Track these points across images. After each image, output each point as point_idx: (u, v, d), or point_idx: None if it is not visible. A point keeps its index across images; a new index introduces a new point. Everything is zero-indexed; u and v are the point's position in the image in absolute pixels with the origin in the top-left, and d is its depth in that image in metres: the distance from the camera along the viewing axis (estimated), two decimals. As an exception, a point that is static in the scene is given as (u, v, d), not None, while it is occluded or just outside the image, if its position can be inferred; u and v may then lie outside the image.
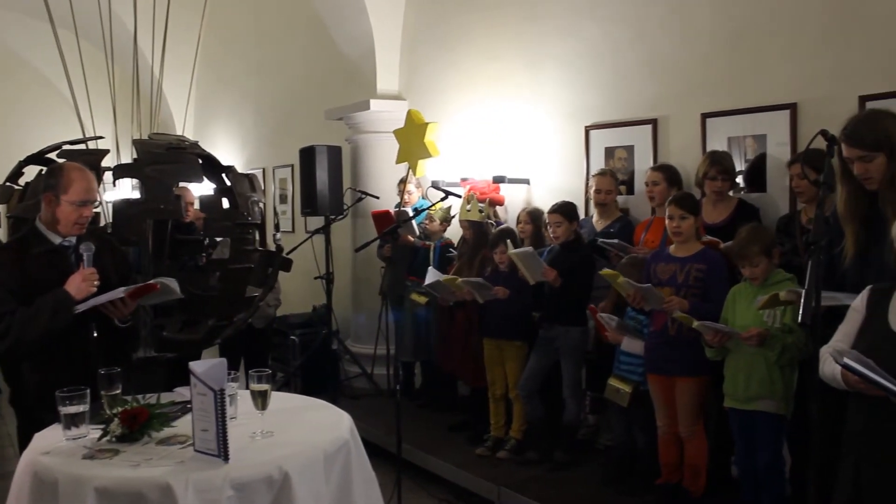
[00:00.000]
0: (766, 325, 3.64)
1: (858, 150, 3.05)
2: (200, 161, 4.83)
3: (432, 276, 5.43)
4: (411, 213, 6.20)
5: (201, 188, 5.64)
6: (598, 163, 5.58)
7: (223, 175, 4.98)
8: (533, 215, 5.47)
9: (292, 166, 9.15)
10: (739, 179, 4.71)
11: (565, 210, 4.91)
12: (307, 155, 7.08)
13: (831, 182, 2.86)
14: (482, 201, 5.65)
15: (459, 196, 4.92)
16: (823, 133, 2.91)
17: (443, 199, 5.09)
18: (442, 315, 5.94)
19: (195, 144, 5.06)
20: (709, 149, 4.79)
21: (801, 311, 2.51)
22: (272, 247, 5.42)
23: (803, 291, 2.57)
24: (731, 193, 4.60)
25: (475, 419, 5.64)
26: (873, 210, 3.09)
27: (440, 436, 5.71)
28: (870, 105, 3.91)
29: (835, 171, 3.08)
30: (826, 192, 2.74)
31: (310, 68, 9.03)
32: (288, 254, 5.78)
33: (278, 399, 3.12)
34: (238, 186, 4.90)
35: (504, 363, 5.24)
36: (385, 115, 7.28)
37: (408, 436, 5.24)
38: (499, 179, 6.08)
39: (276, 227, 5.82)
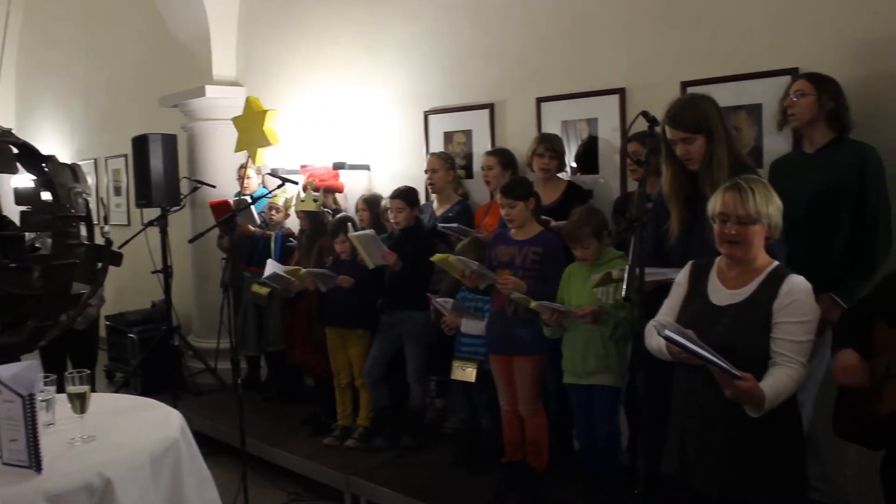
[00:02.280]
0: (600, 303, 3.75)
1: (680, 133, 3.19)
2: (15, 150, 4.48)
3: (271, 267, 5.31)
4: (249, 202, 6.02)
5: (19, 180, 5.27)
6: (437, 148, 5.60)
7: (42, 165, 4.64)
8: (370, 202, 5.43)
9: (126, 156, 8.71)
10: (573, 162, 4.85)
11: (406, 195, 4.90)
12: (140, 144, 6.73)
13: (651, 161, 2.97)
14: (317, 190, 5.56)
15: (296, 183, 4.80)
16: (644, 114, 3.02)
17: (279, 187, 4.97)
18: (284, 306, 5.82)
19: (8, 132, 4.69)
20: (541, 132, 4.89)
21: (624, 286, 2.59)
22: (101, 241, 5.12)
23: (627, 267, 2.66)
24: (563, 176, 4.72)
25: (322, 410, 5.56)
26: (695, 189, 3.25)
27: (288, 429, 5.59)
28: (691, 90, 4.09)
29: (656, 151, 3.21)
30: (647, 170, 2.84)
31: (142, 53, 8.62)
32: (121, 247, 5.48)
33: (102, 401, 2.96)
34: (59, 177, 4.56)
35: (348, 351, 5.19)
36: (222, 102, 7.04)
37: (254, 430, 5.13)
38: (338, 166, 6.01)
39: (105, 220, 5.51)
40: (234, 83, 7.27)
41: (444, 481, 4.51)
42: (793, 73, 3.83)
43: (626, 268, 2.68)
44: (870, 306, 2.69)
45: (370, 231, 4.90)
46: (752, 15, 4.12)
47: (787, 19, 4.00)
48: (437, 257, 4.17)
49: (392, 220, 4.97)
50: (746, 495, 2.59)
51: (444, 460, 4.79)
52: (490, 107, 5.32)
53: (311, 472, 5.00)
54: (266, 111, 6.33)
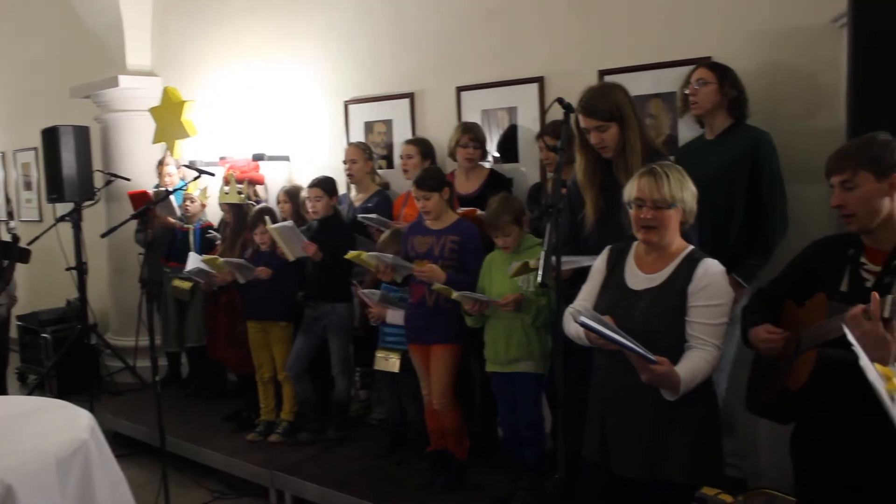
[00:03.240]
0: (521, 290, 3.76)
1: (594, 121, 3.22)
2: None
3: (193, 261, 5.20)
4: (166, 193, 5.87)
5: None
6: (358, 138, 5.54)
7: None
8: (290, 193, 5.36)
9: (36, 149, 8.39)
10: (495, 151, 4.86)
11: (324, 185, 4.84)
12: (51, 136, 6.49)
13: (567, 148, 2.97)
14: (241, 182, 5.46)
15: (213, 175, 4.69)
16: (560, 101, 3.04)
17: (195, 179, 4.86)
18: (206, 301, 5.70)
19: None
20: (464, 121, 4.88)
21: (540, 273, 2.59)
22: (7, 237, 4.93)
23: (542, 254, 2.67)
24: (485, 164, 4.73)
25: (245, 405, 5.47)
26: (609, 177, 3.28)
27: (210, 426, 5.47)
28: (608, 79, 4.13)
29: (571, 138, 3.23)
30: (563, 157, 2.84)
31: (52, 41, 8.30)
32: (30, 244, 5.30)
33: (5, 403, 2.83)
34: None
35: (270, 345, 5.11)
36: (136, 93, 6.83)
37: (176, 428, 5.02)
38: (258, 157, 5.90)
39: (10, 216, 5.31)
40: (150, 73, 7.06)
41: (370, 473, 4.48)
42: (705, 62, 3.90)
43: (542, 255, 2.68)
44: (778, 287, 2.76)
45: (289, 223, 4.82)
46: (666, 5, 4.19)
47: (700, 9, 4.08)
48: (351, 254, 4.14)
49: (311, 210, 4.90)
50: (664, 477, 2.63)
51: (371, 452, 4.77)
52: (410, 96, 5.29)
53: (234, 469, 4.91)
54: (184, 102, 6.19)
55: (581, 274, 3.03)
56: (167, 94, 6.28)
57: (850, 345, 2.04)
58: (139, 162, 6.82)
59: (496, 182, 4.56)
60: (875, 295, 2.09)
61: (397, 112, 5.37)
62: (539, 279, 2.65)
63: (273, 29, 6.11)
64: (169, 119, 6.27)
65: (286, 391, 5.14)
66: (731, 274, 3.48)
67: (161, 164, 6.37)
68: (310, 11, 5.85)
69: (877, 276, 2.36)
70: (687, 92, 3.71)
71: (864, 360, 1.29)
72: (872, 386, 1.21)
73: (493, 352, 3.91)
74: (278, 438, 5.05)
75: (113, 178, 6.60)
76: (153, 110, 6.37)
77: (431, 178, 4.06)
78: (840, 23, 3.44)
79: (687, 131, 4.05)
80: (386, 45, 5.43)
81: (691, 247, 2.74)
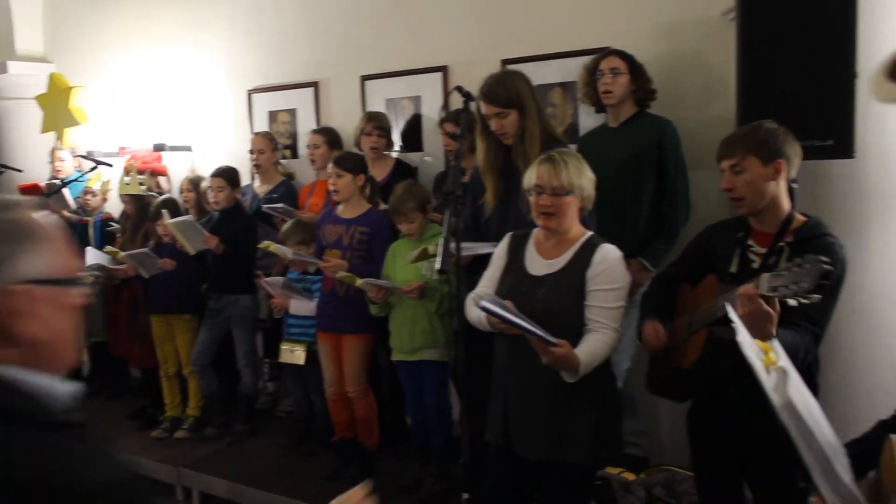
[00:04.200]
0: (425, 278, 3.78)
1: (494, 108, 3.26)
2: None
3: (92, 256, 5.03)
4: (60, 185, 5.66)
5: None
6: (262, 127, 5.46)
7: None
8: (194, 182, 5.23)
9: (-82, 140, 7.95)
10: (400, 140, 4.86)
11: (227, 175, 4.76)
12: (-68, 126, 6.18)
13: (466, 135, 3.00)
14: (142, 172, 5.31)
15: (111, 165, 4.55)
16: (459, 89, 3.06)
17: (92, 170, 4.70)
18: (107, 294, 5.53)
19: None
20: (369, 110, 4.87)
21: (438, 259, 2.61)
22: None
23: (441, 241, 2.69)
24: (391, 154, 4.73)
25: (150, 401, 5.34)
26: (509, 163, 3.33)
27: (114, 423, 5.32)
28: (510, 68, 4.16)
29: (471, 126, 3.27)
30: (462, 144, 2.86)
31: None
32: None
33: None
34: None
35: (175, 339, 5.00)
36: (27, 79, 6.54)
37: (75, 428, 4.86)
38: (159, 147, 5.75)
39: None
40: (41, 59, 6.77)
41: (279, 465, 4.45)
42: (614, 50, 3.98)
43: (441, 241, 2.70)
44: (675, 270, 2.86)
45: (188, 217, 4.73)
46: (567, -5, 4.27)
47: (601, 0, 4.16)
48: (263, 244, 4.10)
49: (212, 200, 4.81)
50: (566, 458, 2.69)
51: (279, 444, 4.73)
52: (314, 85, 5.25)
53: (140, 468, 4.77)
54: (71, 88, 5.97)
55: (482, 261, 3.06)
56: (53, 81, 6.05)
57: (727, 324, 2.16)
58: (32, 152, 6.52)
59: (402, 171, 4.57)
60: (763, 275, 2.19)
61: (302, 101, 5.31)
62: (438, 265, 2.67)
63: (174, 14, 5.94)
64: (56, 106, 6.04)
65: (192, 386, 5.04)
66: (639, 258, 3.61)
67: (53, 153, 6.14)
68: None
69: (763, 258, 2.49)
70: (602, 81, 3.75)
71: (742, 335, 1.35)
72: (748, 360, 1.27)
73: (399, 340, 3.91)
74: (185, 434, 4.96)
75: (3, 170, 6.31)
76: (39, 98, 6.12)
77: (351, 159, 4.07)
78: (731, 16, 3.56)
79: (588, 120, 4.13)
80: (290, 33, 5.36)
81: (590, 232, 2.80)
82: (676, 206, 3.70)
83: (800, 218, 2.53)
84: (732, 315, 1.55)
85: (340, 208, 4.10)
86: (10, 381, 1.16)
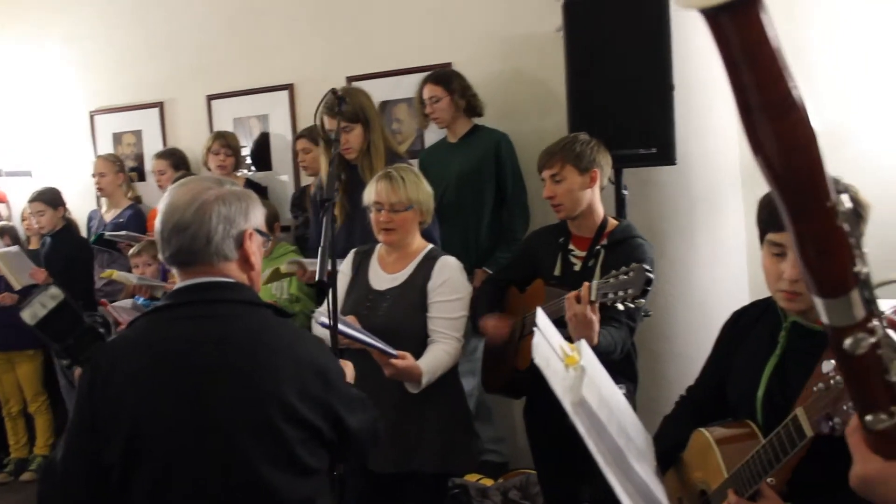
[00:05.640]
0: (275, 298, 3.74)
1: (340, 122, 3.27)
2: None
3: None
4: None
5: None
6: (105, 150, 5.28)
7: None
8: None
9: None
10: (249, 160, 4.81)
11: (45, 196, 4.59)
12: None
13: (339, 140, 2.96)
14: (-24, 201, 5.05)
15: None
16: (333, 91, 2.99)
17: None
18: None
19: None
20: (216, 129, 4.80)
21: (317, 270, 2.58)
22: None
23: (301, 260, 2.67)
24: (238, 173, 4.67)
25: (-7, 443, 5.06)
26: (355, 179, 3.35)
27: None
28: (356, 85, 4.21)
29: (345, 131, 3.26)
30: (336, 149, 2.83)
31: None
32: None
33: None
34: None
35: (17, 375, 4.75)
36: None
37: None
38: (-5, 173, 5.47)
39: None
40: None
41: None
42: (447, 67, 4.08)
43: (301, 260, 2.66)
44: (503, 275, 2.99)
45: (14, 248, 4.51)
46: (409, 13, 4.34)
47: (441, 18, 4.27)
48: (106, 273, 3.98)
49: (35, 225, 4.61)
50: (418, 468, 2.72)
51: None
52: (160, 105, 5.13)
53: (-18, 515, 4.53)
54: None
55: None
56: None
57: (566, 325, 2.28)
58: None
59: (252, 190, 4.51)
60: (586, 283, 2.33)
61: (147, 122, 5.19)
62: (317, 277, 2.64)
63: (11, 31, 5.67)
64: None
65: (39, 423, 4.79)
66: (483, 268, 3.71)
67: None
68: (52, 18, 5.48)
69: (582, 261, 2.69)
70: (426, 111, 3.89)
71: (538, 338, 1.43)
72: (538, 366, 1.34)
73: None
74: (32, 476, 4.70)
75: None
76: None
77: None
78: (562, 32, 3.71)
79: (433, 135, 4.21)
80: (133, 52, 5.21)
81: (430, 245, 2.86)
82: (515, 215, 3.84)
83: (613, 222, 2.75)
84: (540, 319, 1.62)
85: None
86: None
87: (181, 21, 5.04)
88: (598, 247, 2.66)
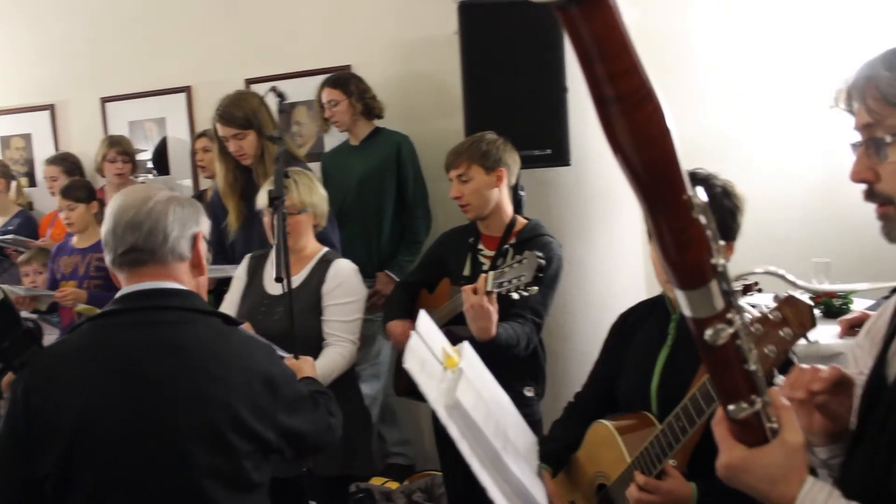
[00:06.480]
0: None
1: (231, 129, 3.24)
2: None
3: None
4: None
5: None
6: (-7, 154, 5.08)
7: None
8: None
9: None
10: (149, 164, 4.70)
11: None
12: None
13: (282, 136, 2.87)
14: None
15: None
16: (273, 89, 2.91)
17: None
18: None
19: None
20: (111, 133, 4.66)
21: (273, 268, 2.52)
22: None
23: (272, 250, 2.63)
24: (140, 178, 4.55)
25: None
26: (250, 184, 3.30)
27: None
28: (254, 88, 4.15)
29: (289, 125, 3.19)
30: (281, 146, 2.76)
31: None
32: None
33: None
34: None
35: None
36: None
37: None
38: None
39: None
40: None
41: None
42: (346, 70, 4.05)
43: (273, 248, 2.59)
44: (414, 277, 2.98)
45: None
46: (308, 15, 4.31)
47: (339, 20, 4.24)
48: None
49: None
50: (318, 472, 2.69)
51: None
52: (51, 108, 4.96)
53: None
54: None
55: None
56: None
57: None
58: None
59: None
60: (482, 275, 2.36)
61: (37, 125, 5.01)
62: (274, 275, 2.57)
63: None
64: None
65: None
66: (386, 271, 3.70)
67: None
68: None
69: (491, 260, 2.69)
70: (325, 115, 3.85)
71: (413, 341, 1.43)
72: (406, 364, 1.34)
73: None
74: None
75: None
76: None
77: (78, 189, 3.86)
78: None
79: (333, 138, 4.18)
80: (21, 53, 5.03)
81: (325, 248, 2.84)
82: (416, 217, 3.84)
83: (521, 221, 2.76)
84: (420, 322, 1.63)
85: (75, 239, 3.89)
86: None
87: (74, 20, 4.88)
88: (506, 245, 2.67)
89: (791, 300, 1.33)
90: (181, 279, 1.70)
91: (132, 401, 1.58)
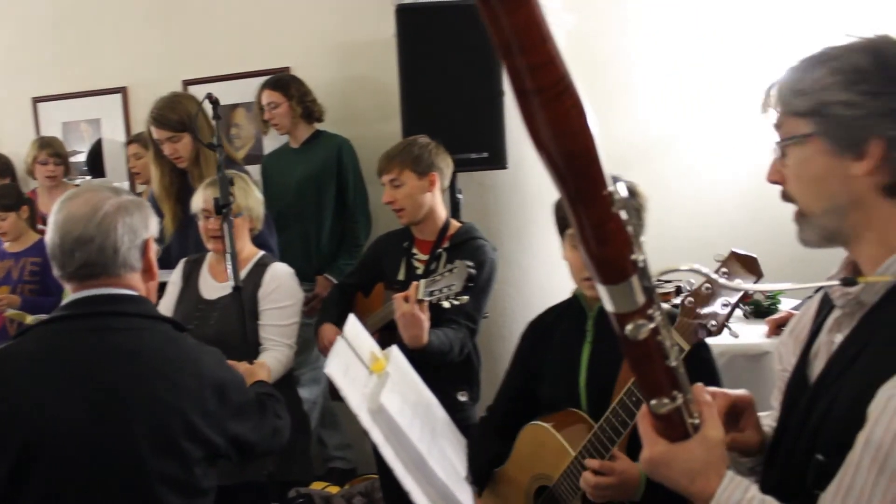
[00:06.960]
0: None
1: (166, 132, 3.19)
2: None
3: None
4: None
5: None
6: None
7: None
8: None
9: None
10: (83, 166, 4.61)
11: None
12: None
13: (220, 143, 2.82)
14: None
15: None
16: (209, 96, 2.86)
17: None
18: None
19: None
20: (43, 135, 4.56)
21: (230, 275, 2.48)
22: None
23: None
24: (77, 181, 4.46)
25: None
26: (186, 187, 3.26)
27: None
28: (192, 89, 4.11)
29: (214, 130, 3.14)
30: (221, 154, 2.70)
31: None
32: None
33: None
34: None
35: None
36: None
37: None
38: None
39: None
40: None
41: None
42: (286, 72, 4.03)
43: (228, 255, 2.56)
44: (351, 280, 2.97)
45: None
46: (246, 17, 4.27)
47: (279, 22, 4.21)
48: None
49: None
50: (253, 478, 2.67)
51: None
52: (-21, 108, 4.83)
53: None
54: None
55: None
56: None
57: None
58: None
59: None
60: (414, 283, 2.36)
61: (-36, 126, 4.86)
62: (232, 282, 2.52)
63: None
64: None
65: None
66: (325, 275, 3.69)
67: None
68: None
69: (425, 264, 2.69)
70: (265, 117, 3.82)
71: (338, 345, 1.43)
72: (328, 369, 1.35)
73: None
74: None
75: None
76: None
77: (6, 197, 3.76)
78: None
79: (272, 141, 4.15)
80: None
81: (262, 252, 2.82)
82: (357, 221, 3.83)
83: (455, 224, 2.77)
84: (349, 327, 1.63)
85: (7, 243, 3.80)
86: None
87: (4, 17, 4.76)
88: (439, 250, 2.67)
89: (734, 255, 1.38)
90: (134, 286, 1.70)
91: (87, 406, 1.57)
